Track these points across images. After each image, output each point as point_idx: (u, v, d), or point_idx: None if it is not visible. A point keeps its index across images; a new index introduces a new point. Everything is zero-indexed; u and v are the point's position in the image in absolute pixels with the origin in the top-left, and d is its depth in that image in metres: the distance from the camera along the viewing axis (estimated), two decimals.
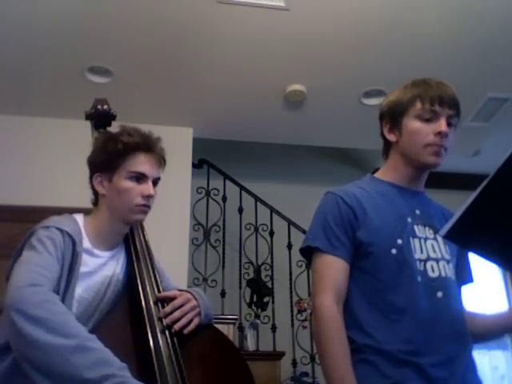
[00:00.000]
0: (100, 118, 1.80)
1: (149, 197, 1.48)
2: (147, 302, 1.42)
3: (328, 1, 3.04)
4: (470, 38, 3.30)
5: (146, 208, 1.49)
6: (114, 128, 1.79)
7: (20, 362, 1.17)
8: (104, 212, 1.50)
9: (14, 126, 3.84)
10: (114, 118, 1.80)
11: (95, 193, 1.54)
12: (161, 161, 1.55)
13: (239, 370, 1.44)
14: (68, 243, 1.37)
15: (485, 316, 1.50)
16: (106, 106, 1.79)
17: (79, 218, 1.49)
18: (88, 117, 1.82)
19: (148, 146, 1.51)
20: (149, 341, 1.33)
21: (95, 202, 1.55)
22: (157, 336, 1.34)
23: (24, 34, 3.19)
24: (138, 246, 1.56)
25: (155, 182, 1.52)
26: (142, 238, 1.60)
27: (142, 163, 1.48)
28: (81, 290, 1.40)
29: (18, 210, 3.60)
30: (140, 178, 1.48)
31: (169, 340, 1.35)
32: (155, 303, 1.42)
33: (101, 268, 1.46)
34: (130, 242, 1.56)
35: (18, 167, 3.77)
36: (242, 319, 3.97)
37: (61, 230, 1.37)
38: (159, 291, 1.46)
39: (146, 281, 1.47)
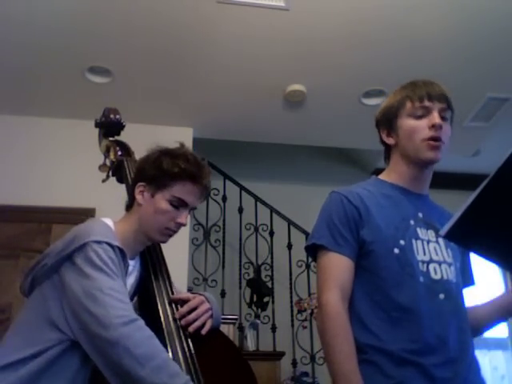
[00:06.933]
0: (110, 127, 1.82)
1: (180, 225, 1.49)
2: (163, 306, 1.44)
3: (328, 1, 3.04)
4: (470, 38, 3.30)
5: (173, 233, 1.51)
6: (122, 137, 1.81)
7: None
8: (135, 221, 1.49)
9: (14, 126, 3.84)
10: (123, 127, 1.82)
11: (132, 198, 1.53)
12: (205, 193, 1.55)
13: (244, 376, 1.45)
14: (120, 258, 1.38)
15: (483, 305, 1.50)
16: (118, 116, 1.81)
17: (110, 223, 1.48)
18: (98, 125, 1.84)
19: (200, 178, 1.50)
20: (166, 343, 1.34)
21: (129, 207, 1.54)
22: (174, 339, 1.36)
23: (24, 34, 3.19)
24: (153, 252, 1.58)
25: (191, 209, 1.53)
26: (158, 248, 1.61)
27: (188, 193, 1.48)
28: None
29: (18, 210, 3.61)
30: (181, 204, 1.48)
31: (184, 342, 1.37)
32: (169, 304, 1.45)
33: (129, 276, 1.48)
34: (146, 251, 1.57)
35: (18, 167, 3.77)
36: (242, 319, 3.97)
37: (111, 246, 1.36)
38: (172, 293, 1.49)
39: (161, 285, 1.49)
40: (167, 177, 1.47)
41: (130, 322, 1.22)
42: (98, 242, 1.35)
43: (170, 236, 1.51)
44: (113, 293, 1.27)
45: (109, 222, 1.48)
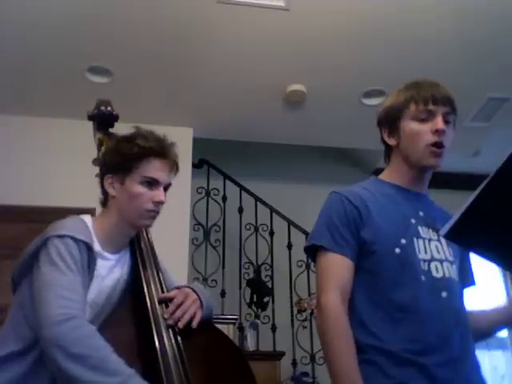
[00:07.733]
0: (103, 119, 1.80)
1: (159, 203, 1.47)
2: (152, 304, 1.42)
3: (328, 1, 3.04)
4: (470, 38, 3.30)
5: (155, 214, 1.48)
6: (117, 129, 1.79)
7: None
8: (113, 214, 1.48)
9: (14, 126, 3.84)
10: (116, 119, 1.80)
11: (105, 193, 1.51)
12: (174, 166, 1.53)
13: (241, 370, 1.44)
14: (84, 253, 1.36)
15: (484, 312, 1.51)
16: (109, 108, 1.79)
17: (87, 219, 1.47)
18: (91, 117, 1.82)
19: (163, 151, 1.48)
20: (154, 341, 1.33)
21: (104, 203, 1.53)
22: (162, 337, 1.35)
23: (24, 34, 3.19)
24: (143, 248, 1.56)
25: (166, 187, 1.51)
26: (146, 239, 1.60)
27: (156, 169, 1.46)
28: (94, 295, 1.39)
29: (18, 210, 3.60)
30: (152, 183, 1.46)
31: (173, 340, 1.36)
32: (159, 304, 1.43)
33: (111, 271, 1.46)
34: (135, 243, 1.56)
35: (18, 167, 3.77)
36: (242, 319, 3.97)
37: (75, 240, 1.35)
38: (163, 292, 1.46)
39: (151, 282, 1.47)
40: (130, 160, 1.46)
41: (68, 320, 1.20)
42: (60, 237, 1.34)
43: (154, 218, 1.49)
44: (59, 290, 1.25)
45: (86, 218, 1.47)
